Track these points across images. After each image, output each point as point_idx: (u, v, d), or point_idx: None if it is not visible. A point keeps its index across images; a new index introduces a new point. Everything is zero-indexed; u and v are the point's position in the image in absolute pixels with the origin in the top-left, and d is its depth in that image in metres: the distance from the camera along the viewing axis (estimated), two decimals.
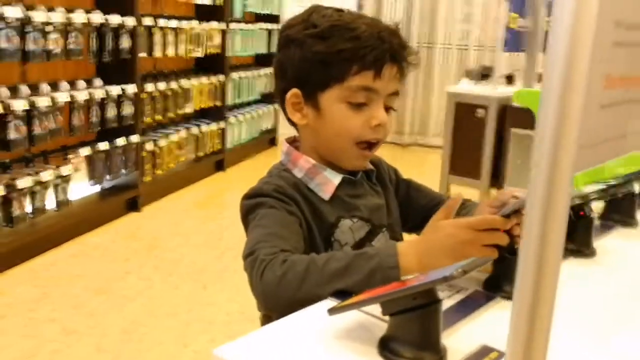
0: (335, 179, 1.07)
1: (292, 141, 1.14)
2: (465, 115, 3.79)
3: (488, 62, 5.20)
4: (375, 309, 0.70)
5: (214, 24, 4.61)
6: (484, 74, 4.03)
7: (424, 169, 5.16)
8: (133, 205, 3.92)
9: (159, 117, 4.14)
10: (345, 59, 1.00)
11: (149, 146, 4.01)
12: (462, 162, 3.76)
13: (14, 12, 2.81)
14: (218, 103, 4.81)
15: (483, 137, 3.67)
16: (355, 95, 1.02)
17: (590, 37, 0.41)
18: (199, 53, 4.47)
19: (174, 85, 4.18)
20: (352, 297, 0.73)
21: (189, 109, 4.43)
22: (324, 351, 0.71)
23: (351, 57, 1.00)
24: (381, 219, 1.12)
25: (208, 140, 4.72)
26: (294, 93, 1.06)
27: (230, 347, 0.69)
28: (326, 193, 1.06)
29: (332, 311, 0.70)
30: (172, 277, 3.03)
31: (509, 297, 0.85)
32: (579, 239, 1.05)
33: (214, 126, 4.77)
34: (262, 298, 0.88)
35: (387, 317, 0.69)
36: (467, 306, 0.83)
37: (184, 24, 4.20)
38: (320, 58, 1.01)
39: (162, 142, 4.15)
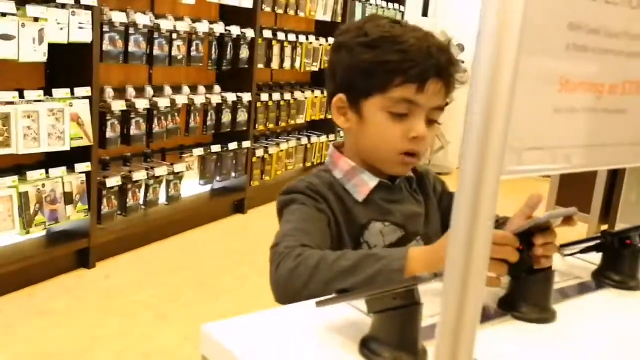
0: (371, 182, 1.10)
1: (339, 145, 1.17)
2: None
3: None
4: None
5: (332, 40, 4.72)
6: None
7: None
8: (239, 207, 4.11)
9: (271, 126, 4.32)
10: (389, 70, 1.02)
11: (259, 152, 4.19)
12: (570, 193, 3.57)
13: (144, 20, 3.08)
14: (329, 116, 4.91)
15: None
16: (396, 105, 1.04)
17: (516, 27, 0.41)
18: (314, 67, 4.61)
19: (287, 96, 4.35)
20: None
21: (300, 119, 4.58)
22: (309, 342, 0.74)
23: (395, 69, 1.02)
24: (417, 226, 1.12)
25: (316, 151, 4.84)
26: (339, 97, 1.10)
27: (217, 325, 0.74)
28: (360, 194, 1.09)
29: (319, 303, 0.73)
30: (264, 278, 3.13)
31: (521, 317, 0.83)
32: (623, 269, 0.98)
33: (323, 138, 4.89)
34: (274, 289, 0.93)
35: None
36: None
37: (302, 39, 4.36)
38: (366, 66, 1.04)
39: (272, 150, 4.32)
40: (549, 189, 3.79)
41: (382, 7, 5.39)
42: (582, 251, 1.03)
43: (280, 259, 0.92)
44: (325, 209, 1.04)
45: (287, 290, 0.91)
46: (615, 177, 3.43)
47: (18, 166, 2.75)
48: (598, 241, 1.00)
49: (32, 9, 2.52)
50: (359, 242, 1.07)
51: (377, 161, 1.10)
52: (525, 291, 0.83)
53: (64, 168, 2.81)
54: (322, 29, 4.76)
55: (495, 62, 0.42)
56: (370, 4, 5.25)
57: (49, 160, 2.85)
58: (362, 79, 1.05)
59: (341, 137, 4.67)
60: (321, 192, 1.06)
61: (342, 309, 0.79)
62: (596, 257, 1.03)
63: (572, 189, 3.56)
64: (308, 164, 4.78)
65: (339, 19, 4.80)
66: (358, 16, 5.09)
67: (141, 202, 3.32)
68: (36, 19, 2.55)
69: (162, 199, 3.48)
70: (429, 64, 1.02)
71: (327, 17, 4.66)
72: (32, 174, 2.69)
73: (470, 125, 0.43)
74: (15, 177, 2.64)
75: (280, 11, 4.14)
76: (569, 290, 0.94)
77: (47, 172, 2.74)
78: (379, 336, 0.68)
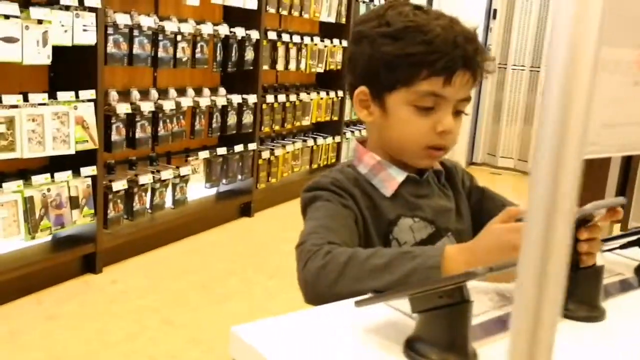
0: (399, 176, 1.05)
1: (362, 140, 1.13)
2: None
3: None
4: (409, 307, 0.68)
5: (336, 42, 4.70)
6: None
7: None
8: (246, 211, 4.07)
9: (277, 128, 4.28)
10: (414, 63, 0.97)
11: (266, 154, 4.15)
12: (587, 192, 3.52)
13: (148, 22, 3.04)
14: (335, 118, 4.88)
15: (608, 163, 3.42)
16: (422, 99, 0.99)
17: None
18: (320, 69, 4.58)
19: (293, 97, 4.31)
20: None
21: (306, 121, 4.54)
22: (346, 344, 0.69)
23: (420, 61, 0.96)
24: (447, 222, 1.07)
25: (323, 153, 4.80)
26: (361, 91, 1.05)
27: (249, 327, 0.70)
28: (388, 189, 1.04)
29: (359, 303, 0.69)
30: (271, 281, 3.10)
31: (570, 316, 0.78)
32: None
33: (329, 140, 4.85)
34: (303, 288, 0.88)
35: (416, 316, 0.66)
36: None
37: (307, 40, 4.33)
38: (389, 59, 0.99)
39: (278, 152, 4.28)
40: None
41: None
42: (622, 247, 0.99)
43: (308, 257, 0.88)
44: (352, 205, 1.00)
45: (317, 288, 0.86)
46: (627, 174, 3.38)
47: (23, 171, 2.72)
48: (638, 236, 0.96)
49: (36, 12, 2.48)
50: (388, 239, 1.02)
51: (403, 155, 1.06)
52: (574, 288, 0.78)
53: (69, 172, 2.77)
54: (326, 30, 4.72)
55: (576, 43, 0.38)
56: (374, 5, 5.21)
57: (53, 165, 2.81)
58: (385, 72, 1.00)
59: (347, 139, 4.64)
60: (347, 188, 1.01)
61: (379, 309, 0.74)
62: (636, 253, 0.98)
63: (588, 190, 3.51)
64: (314, 166, 4.74)
65: (343, 20, 4.77)
66: None
67: (147, 206, 3.28)
68: (40, 22, 2.51)
69: (168, 202, 3.44)
70: (456, 55, 0.96)
71: (332, 19, 4.62)
72: (37, 179, 2.65)
73: (548, 104, 0.39)
74: (20, 182, 2.60)
75: (284, 12, 4.10)
76: (611, 288, 0.90)
77: (52, 176, 2.70)
78: (425, 337, 0.63)
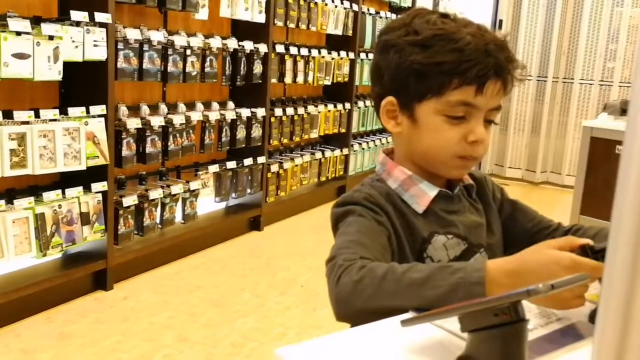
0: (431, 191, 1.03)
1: (389, 152, 1.10)
2: (601, 151, 3.54)
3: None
4: (455, 325, 0.65)
5: (343, 54, 4.70)
6: (625, 109, 3.75)
7: (554, 208, 4.87)
8: (255, 224, 4.05)
9: (285, 141, 4.27)
10: (445, 72, 0.95)
11: (274, 168, 4.13)
12: (595, 202, 3.49)
13: (158, 37, 3.04)
14: (343, 130, 4.87)
15: None
16: (453, 109, 0.97)
17: None
18: (327, 81, 4.57)
19: (301, 110, 4.30)
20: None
21: (314, 134, 4.52)
22: None
23: (452, 70, 0.94)
24: (479, 237, 1.05)
25: (331, 165, 4.79)
26: (389, 101, 1.03)
27: (293, 350, 0.67)
28: (420, 206, 1.02)
29: (405, 322, 0.66)
30: (284, 296, 3.07)
31: None
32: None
33: (337, 152, 4.83)
34: (336, 304, 0.85)
35: (466, 335, 0.64)
36: (565, 336, 0.75)
37: (315, 53, 4.32)
38: (419, 68, 0.97)
39: (287, 165, 4.26)
40: (572, 199, 3.72)
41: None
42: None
43: (341, 272, 0.85)
44: (385, 222, 0.97)
45: (351, 304, 0.83)
46: None
47: (33, 187, 2.70)
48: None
49: (47, 28, 2.48)
50: (422, 257, 1.00)
51: (433, 165, 1.03)
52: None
53: (80, 188, 2.75)
54: (333, 42, 4.72)
55: None
56: (380, 17, 5.22)
57: (64, 180, 2.79)
58: (414, 81, 0.98)
59: (355, 151, 4.62)
60: (381, 204, 0.99)
61: (425, 328, 0.71)
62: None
63: (597, 198, 3.49)
64: (323, 179, 4.72)
65: (350, 33, 4.77)
66: (369, 29, 5.06)
67: (158, 221, 3.25)
68: (51, 38, 2.51)
69: (178, 217, 3.42)
70: (487, 64, 0.94)
71: (339, 31, 4.62)
72: (48, 195, 2.64)
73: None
74: (32, 199, 2.58)
75: (292, 25, 4.10)
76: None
77: (63, 192, 2.69)
78: (477, 358, 0.61)
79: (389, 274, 0.82)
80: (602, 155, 3.54)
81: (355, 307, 0.82)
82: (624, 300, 0.37)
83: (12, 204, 2.51)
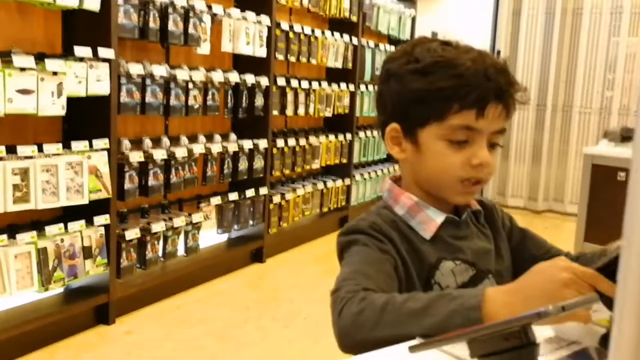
0: (438, 217, 1.03)
1: (396, 179, 1.11)
2: (603, 178, 3.54)
3: (632, 125, 4.86)
4: (463, 351, 0.65)
5: (343, 86, 4.74)
6: (626, 136, 3.76)
7: (558, 236, 4.85)
8: (257, 256, 4.03)
9: (287, 172, 4.28)
10: (446, 97, 0.96)
11: (277, 199, 4.13)
12: (599, 228, 3.48)
13: (160, 71, 3.07)
14: (344, 160, 4.89)
15: (624, 204, 3.38)
16: (455, 133, 0.97)
17: None
18: (328, 112, 4.60)
19: (303, 142, 4.32)
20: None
21: (316, 165, 4.54)
22: None
23: (452, 95, 0.95)
24: (488, 264, 1.04)
25: (333, 196, 4.79)
26: (393, 128, 1.04)
27: None
28: (427, 232, 1.02)
29: (413, 349, 0.66)
30: (287, 329, 3.04)
31: None
32: None
33: (339, 182, 4.84)
34: (339, 337, 0.85)
35: None
36: None
37: (315, 86, 4.37)
38: (419, 95, 0.98)
39: (289, 196, 4.26)
40: (576, 226, 3.71)
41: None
42: None
43: (343, 304, 0.85)
44: (390, 250, 0.97)
45: (354, 336, 0.83)
46: None
47: (36, 222, 2.70)
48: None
49: (51, 64, 2.51)
50: (430, 283, 0.99)
51: (439, 190, 1.03)
52: None
53: (82, 222, 2.75)
54: (333, 75, 4.76)
55: None
56: (380, 50, 5.28)
57: (66, 214, 2.79)
58: (416, 107, 0.99)
59: (356, 181, 4.61)
60: (385, 232, 0.99)
61: (432, 354, 0.71)
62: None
63: (600, 225, 3.48)
64: (325, 209, 4.72)
65: (349, 65, 4.82)
66: (368, 62, 5.11)
67: (160, 254, 3.24)
68: (55, 73, 2.54)
69: (180, 250, 3.41)
70: (487, 88, 0.95)
71: (339, 64, 4.67)
72: (50, 229, 2.63)
73: None
74: (34, 233, 2.58)
75: (293, 59, 4.15)
76: None
77: (65, 226, 2.68)
78: None
79: (389, 304, 0.82)
80: (604, 182, 3.54)
81: (358, 339, 0.83)
82: (637, 326, 0.37)
83: (15, 238, 2.51)
